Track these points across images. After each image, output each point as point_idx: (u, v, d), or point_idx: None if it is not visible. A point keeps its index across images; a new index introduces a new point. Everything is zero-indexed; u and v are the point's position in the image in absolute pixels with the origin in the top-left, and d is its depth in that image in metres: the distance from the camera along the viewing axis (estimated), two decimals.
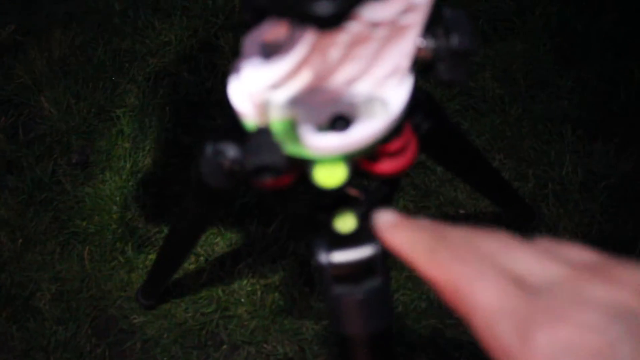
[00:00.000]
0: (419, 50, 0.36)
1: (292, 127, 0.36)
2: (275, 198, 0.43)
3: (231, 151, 0.46)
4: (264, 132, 0.34)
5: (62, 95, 1.31)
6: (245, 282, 1.08)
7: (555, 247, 0.22)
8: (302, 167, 0.38)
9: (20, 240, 1.16)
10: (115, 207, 1.17)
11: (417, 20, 0.33)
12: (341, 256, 0.42)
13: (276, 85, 0.35)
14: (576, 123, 1.14)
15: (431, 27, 0.37)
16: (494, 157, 1.13)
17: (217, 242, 1.11)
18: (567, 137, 1.12)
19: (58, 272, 1.13)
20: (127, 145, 1.25)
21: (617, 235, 1.03)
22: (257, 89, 0.35)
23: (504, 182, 0.74)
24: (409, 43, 0.34)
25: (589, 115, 1.14)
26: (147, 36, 1.37)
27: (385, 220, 0.27)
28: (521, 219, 1.03)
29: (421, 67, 0.37)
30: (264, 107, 0.36)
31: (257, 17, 0.33)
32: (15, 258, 1.15)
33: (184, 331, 1.07)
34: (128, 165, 1.22)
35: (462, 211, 1.09)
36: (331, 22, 0.23)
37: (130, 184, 1.20)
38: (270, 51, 0.37)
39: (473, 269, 0.21)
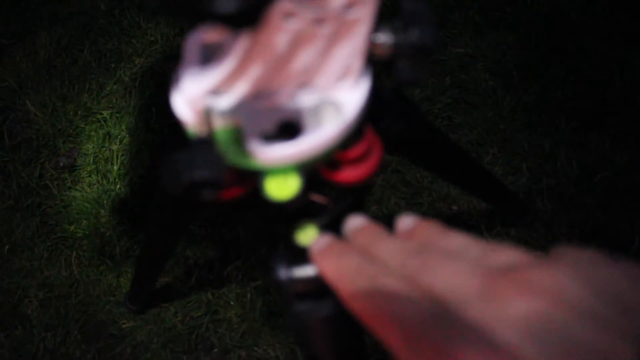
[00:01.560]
0: (375, 46, 0.32)
1: (237, 136, 0.32)
2: (232, 210, 0.39)
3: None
4: (201, 143, 0.30)
5: (48, 98, 1.27)
6: (234, 285, 1.05)
7: (482, 252, 0.22)
8: (252, 178, 0.34)
9: (7, 247, 1.13)
10: (102, 211, 1.14)
11: (365, 14, 0.29)
12: (303, 271, 0.38)
13: (216, 91, 0.31)
14: (570, 114, 1.09)
15: (389, 20, 0.33)
16: (487, 151, 1.09)
17: (206, 244, 1.08)
18: (562, 129, 1.08)
19: (46, 278, 1.10)
20: (114, 147, 1.21)
21: (613, 230, 0.99)
22: (196, 95, 0.32)
23: (492, 179, 0.70)
24: (359, 40, 0.30)
25: (583, 106, 1.10)
26: (133, 36, 1.33)
27: (317, 245, 0.28)
28: (515, 215, 0.99)
29: (379, 65, 0.33)
30: (205, 115, 0.32)
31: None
32: (2, 264, 1.12)
33: (173, 335, 1.03)
34: (115, 168, 1.18)
35: (454, 207, 1.05)
36: (237, 21, 0.20)
37: (118, 187, 1.17)
38: (211, 54, 0.33)
39: (390, 301, 0.21)
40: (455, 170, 0.62)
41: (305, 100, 0.32)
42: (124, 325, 1.05)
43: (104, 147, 1.22)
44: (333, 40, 0.29)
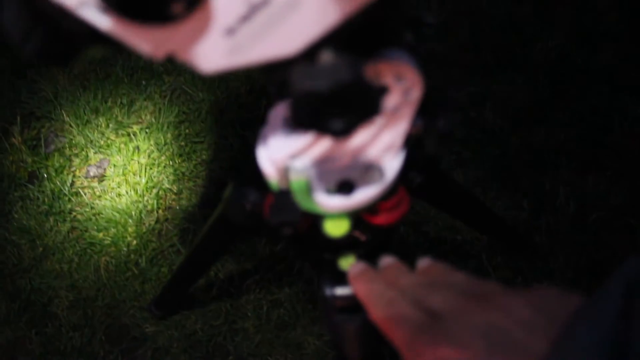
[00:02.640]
0: (411, 127, 0.46)
1: (307, 189, 0.46)
2: (291, 241, 0.53)
3: (253, 195, 0.56)
4: (285, 194, 0.44)
5: (82, 110, 1.41)
6: (252, 297, 1.18)
7: (471, 285, 0.32)
8: (314, 218, 0.48)
9: (40, 249, 1.26)
10: (130, 221, 1.28)
11: (409, 112, 0.43)
12: (343, 291, 0.52)
13: (295, 155, 0.45)
14: (571, 156, 1.24)
15: (422, 108, 0.47)
16: (491, 186, 1.23)
17: (227, 258, 1.22)
18: (562, 170, 1.22)
19: (75, 281, 1.24)
20: (143, 161, 1.35)
21: (605, 267, 1.13)
22: (280, 156, 0.45)
23: (495, 218, 0.84)
24: (402, 128, 0.44)
25: (583, 149, 1.24)
26: None
27: (354, 271, 0.39)
28: (514, 248, 1.12)
29: (413, 140, 0.47)
30: (284, 171, 0.46)
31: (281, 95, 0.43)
32: (35, 265, 1.25)
33: (192, 342, 1.17)
34: (143, 181, 1.32)
35: (459, 237, 1.19)
36: (342, 134, 0.33)
37: (145, 198, 1.30)
38: (291, 124, 0.47)
39: (400, 314, 0.32)
40: (463, 211, 0.76)
41: (358, 166, 0.46)
42: (146, 329, 1.19)
43: (133, 160, 1.36)
44: (383, 127, 0.43)
